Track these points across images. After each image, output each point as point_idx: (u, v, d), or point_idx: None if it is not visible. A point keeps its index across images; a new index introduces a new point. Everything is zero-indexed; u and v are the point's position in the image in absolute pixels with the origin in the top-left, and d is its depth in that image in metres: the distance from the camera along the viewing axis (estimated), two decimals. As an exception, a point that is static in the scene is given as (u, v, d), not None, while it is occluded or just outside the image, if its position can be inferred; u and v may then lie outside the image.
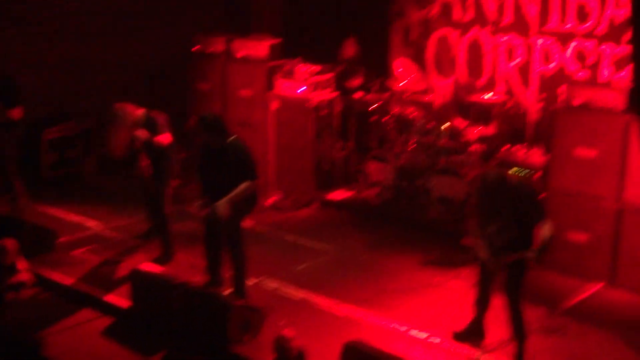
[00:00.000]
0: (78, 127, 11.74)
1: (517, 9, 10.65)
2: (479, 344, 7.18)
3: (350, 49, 11.53)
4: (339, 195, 10.85)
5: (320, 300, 8.06)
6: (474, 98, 10.70)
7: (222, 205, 7.56)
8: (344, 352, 6.54)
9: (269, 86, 10.94)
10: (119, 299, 8.16)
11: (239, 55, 11.26)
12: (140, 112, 8.72)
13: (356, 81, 11.42)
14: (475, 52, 11.16)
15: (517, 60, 10.74)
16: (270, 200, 10.67)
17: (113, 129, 8.77)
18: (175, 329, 7.55)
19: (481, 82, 11.10)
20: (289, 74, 10.82)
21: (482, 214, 6.86)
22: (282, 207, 10.58)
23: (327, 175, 10.94)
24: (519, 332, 6.91)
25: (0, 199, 10.25)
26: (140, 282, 7.93)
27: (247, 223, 8.09)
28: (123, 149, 8.82)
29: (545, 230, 6.58)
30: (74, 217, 10.30)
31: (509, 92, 10.82)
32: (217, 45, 11.48)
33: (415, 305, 7.96)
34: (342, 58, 11.50)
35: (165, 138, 8.70)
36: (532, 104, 10.66)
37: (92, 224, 10.10)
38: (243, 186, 7.58)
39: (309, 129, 10.59)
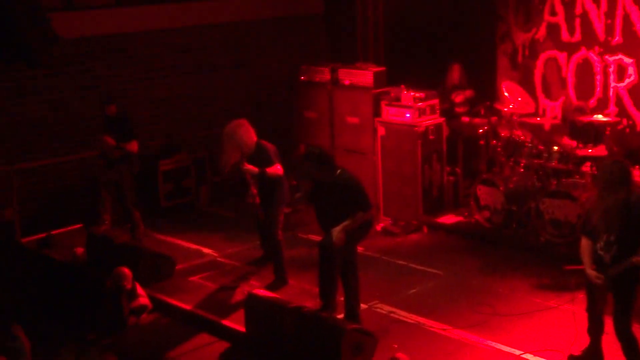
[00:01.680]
0: (191, 158, 12.11)
1: (627, 27, 10.45)
2: (597, 367, 7.04)
3: (455, 74, 11.54)
4: (448, 220, 10.82)
5: (432, 324, 8.05)
6: (585, 119, 10.50)
7: (337, 232, 7.67)
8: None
9: (376, 113, 11.04)
10: (234, 324, 8.32)
11: (345, 83, 11.42)
12: (253, 141, 8.92)
13: (463, 107, 11.41)
14: (584, 73, 11.00)
15: (628, 80, 10.53)
16: (380, 226, 10.73)
17: (228, 145, 8.97)
18: (289, 354, 7.65)
19: (592, 102, 10.90)
20: (395, 101, 10.90)
21: (594, 229, 6.74)
22: (392, 232, 10.62)
23: (435, 200, 10.93)
24: (633, 358, 6.73)
25: (121, 228, 10.67)
26: (254, 308, 8.07)
27: (357, 248, 8.19)
28: (231, 167, 9.01)
29: None
30: (190, 245, 10.60)
31: (622, 113, 10.59)
32: (323, 75, 11.68)
33: (529, 329, 7.85)
34: (448, 84, 11.53)
35: (275, 169, 8.87)
36: (646, 123, 10.43)
37: (208, 251, 10.36)
38: (357, 216, 7.69)
39: (416, 154, 10.61)
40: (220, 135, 9.06)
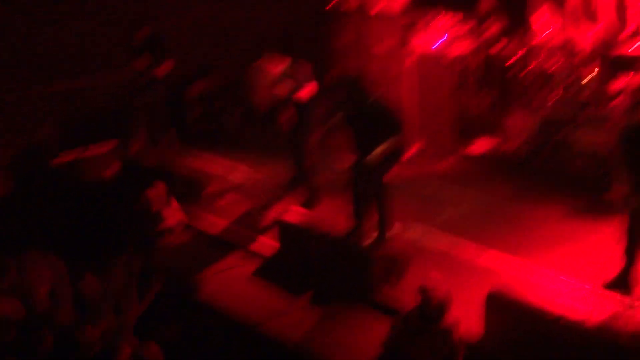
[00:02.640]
0: (222, 81, 12.08)
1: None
2: (629, 292, 7.05)
3: (485, 2, 11.36)
4: (481, 146, 10.77)
5: (464, 248, 8.09)
6: (619, 49, 10.38)
7: (372, 157, 7.70)
8: (489, 298, 6.53)
9: (406, 40, 10.92)
10: (267, 243, 8.41)
11: (373, 11, 11.28)
12: (284, 63, 8.88)
13: (496, 33, 11.26)
14: (618, 4, 10.81)
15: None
16: (412, 152, 10.71)
17: (255, 86, 8.99)
18: (320, 277, 7.74)
19: (626, 33, 10.74)
20: (427, 26, 10.77)
21: (627, 163, 6.72)
22: (424, 158, 10.61)
23: (469, 127, 10.86)
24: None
25: (152, 151, 10.71)
26: (287, 227, 8.15)
27: (391, 173, 8.20)
28: (266, 105, 9.03)
29: None
30: (219, 169, 10.63)
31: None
32: (350, 3, 11.52)
33: (563, 253, 7.87)
34: (481, 9, 11.36)
35: (309, 89, 8.85)
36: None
37: (238, 175, 10.40)
38: (391, 140, 7.71)
39: (450, 81, 10.52)
40: (250, 72, 9.02)
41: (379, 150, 7.69)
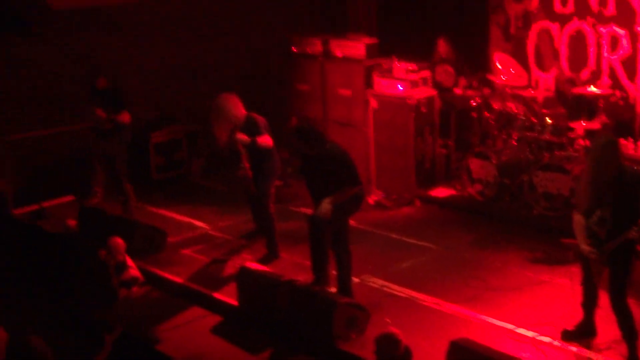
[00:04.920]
0: (183, 130, 12.05)
1: (621, -2, 10.40)
2: (589, 343, 7.05)
3: (442, 47, 11.45)
4: (441, 193, 10.81)
5: (425, 298, 8.07)
6: (578, 91, 10.47)
7: (324, 205, 7.65)
8: (451, 350, 6.50)
9: (368, 85, 10.98)
10: (227, 297, 8.33)
11: (337, 55, 11.35)
12: (242, 113, 8.88)
13: (451, 80, 11.34)
14: (577, 45, 10.94)
15: (621, 51, 10.48)
16: (373, 199, 10.72)
17: (219, 119, 8.94)
18: (281, 327, 7.66)
19: (585, 75, 10.86)
20: (387, 73, 10.85)
21: (587, 200, 6.73)
22: (384, 205, 10.61)
23: (428, 173, 10.92)
24: (629, 331, 6.76)
25: (113, 201, 10.63)
26: (246, 281, 8.08)
27: (350, 222, 8.17)
28: (227, 139, 8.97)
29: None
30: (182, 218, 10.59)
31: (615, 85, 10.56)
32: (315, 46, 11.60)
33: (522, 303, 7.87)
34: (436, 57, 11.45)
35: (265, 140, 8.84)
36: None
37: (200, 224, 10.35)
38: (345, 189, 7.66)
39: (409, 126, 10.58)
40: (210, 109, 9.02)
41: (329, 199, 7.62)
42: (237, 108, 8.86)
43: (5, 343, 5.93)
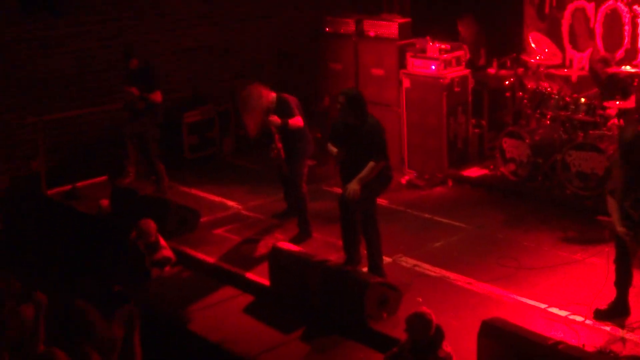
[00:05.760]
0: (215, 110, 12.08)
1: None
2: (622, 322, 6.99)
3: (461, 28, 11.34)
4: (473, 172, 10.75)
5: (457, 278, 8.05)
6: (612, 71, 10.35)
7: (352, 185, 7.63)
8: (482, 329, 6.46)
9: (401, 65, 10.93)
10: (258, 277, 8.35)
11: (370, 34, 11.31)
12: (272, 96, 8.88)
13: (478, 59, 11.27)
14: (612, 24, 10.80)
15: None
16: (405, 178, 10.69)
17: (246, 112, 8.98)
18: (313, 307, 7.68)
19: (619, 54, 10.73)
20: (420, 52, 10.79)
21: (621, 184, 6.68)
22: (416, 185, 10.58)
23: (460, 153, 10.86)
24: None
25: (145, 180, 10.71)
26: (278, 261, 8.08)
27: (382, 201, 8.15)
28: (258, 130, 9.01)
29: None
30: (214, 197, 10.61)
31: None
32: (348, 26, 11.57)
33: (555, 282, 7.83)
34: (460, 37, 11.36)
35: (297, 122, 8.83)
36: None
37: (232, 204, 10.37)
38: (369, 166, 7.62)
39: (442, 106, 10.52)
40: (240, 98, 9.05)
41: (356, 178, 7.60)
42: (262, 97, 8.83)
43: (45, 305, 6.04)
